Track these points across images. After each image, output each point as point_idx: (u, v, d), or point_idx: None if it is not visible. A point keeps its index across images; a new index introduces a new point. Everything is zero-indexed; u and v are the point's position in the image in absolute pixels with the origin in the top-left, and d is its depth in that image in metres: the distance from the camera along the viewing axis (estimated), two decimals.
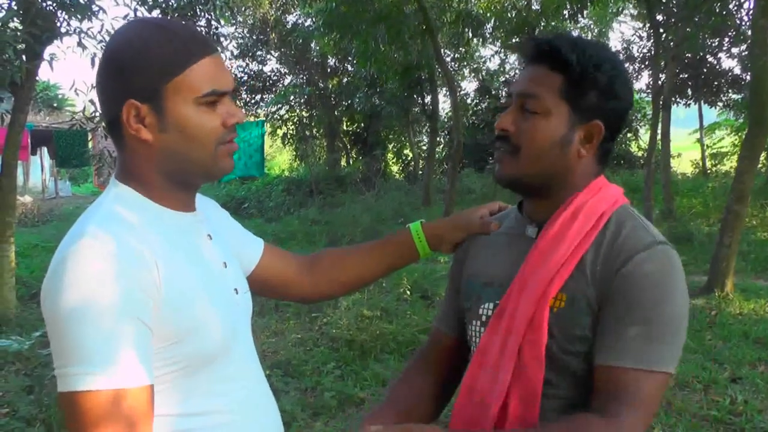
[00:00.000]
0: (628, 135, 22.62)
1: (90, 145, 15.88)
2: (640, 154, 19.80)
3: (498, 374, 1.45)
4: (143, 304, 1.15)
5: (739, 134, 19.72)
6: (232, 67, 19.72)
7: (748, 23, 14.88)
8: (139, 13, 6.50)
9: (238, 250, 1.56)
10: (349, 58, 19.89)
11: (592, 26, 21.24)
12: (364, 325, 6.27)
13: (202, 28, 6.61)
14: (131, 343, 1.12)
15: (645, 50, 18.98)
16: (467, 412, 1.52)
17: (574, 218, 1.44)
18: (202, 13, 6.52)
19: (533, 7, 16.46)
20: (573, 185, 1.48)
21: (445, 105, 21.97)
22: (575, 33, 19.76)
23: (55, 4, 6.24)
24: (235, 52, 19.01)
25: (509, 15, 16.24)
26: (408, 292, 6.96)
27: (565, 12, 15.32)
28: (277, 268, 1.68)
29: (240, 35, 20.75)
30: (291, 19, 20.50)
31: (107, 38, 6.45)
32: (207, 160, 1.28)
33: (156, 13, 6.59)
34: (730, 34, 16.44)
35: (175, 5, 6.60)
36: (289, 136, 21.90)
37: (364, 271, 1.77)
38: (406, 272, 7.51)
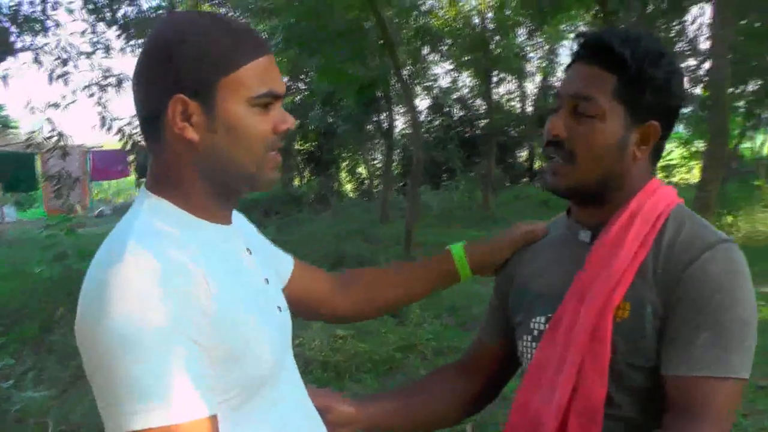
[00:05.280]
0: None
1: (38, 167, 15.43)
2: None
3: (555, 391, 1.35)
4: (197, 325, 1.03)
5: (688, 147, 20.20)
6: None
7: (701, 37, 15.38)
8: (98, 29, 6.30)
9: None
10: (302, 77, 19.78)
11: (543, 43, 21.51)
12: (337, 345, 6.12)
13: None
14: (188, 371, 0.99)
15: None
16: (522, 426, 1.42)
17: (631, 222, 1.36)
18: None
19: (489, 25, 16.61)
20: (629, 188, 1.40)
21: (398, 122, 22.01)
22: (527, 50, 20.02)
23: (7, 20, 6.01)
24: None
25: (464, 32, 16.37)
26: None
27: (520, 30, 15.59)
28: (310, 286, 1.58)
29: None
30: None
31: (63, 55, 6.24)
32: (254, 166, 1.17)
33: (114, 29, 6.39)
34: (679, 48, 16.80)
35: (134, 21, 6.42)
36: None
37: (402, 293, 1.69)
38: None
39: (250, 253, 1.28)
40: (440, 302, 7.90)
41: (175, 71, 1.10)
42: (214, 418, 1.03)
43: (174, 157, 1.15)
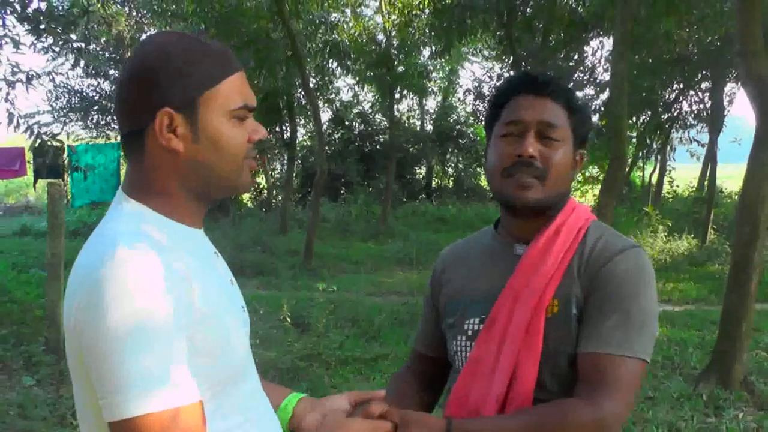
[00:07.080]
0: (479, 170, 23.56)
1: None
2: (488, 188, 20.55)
3: (493, 381, 1.54)
4: (188, 321, 1.13)
5: (583, 172, 21.08)
6: (82, 86, 18.76)
7: (599, 68, 16.18)
8: (7, 22, 6.12)
9: None
10: None
11: (443, 64, 22.03)
12: None
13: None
14: (182, 360, 1.09)
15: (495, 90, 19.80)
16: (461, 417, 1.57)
17: (557, 234, 1.59)
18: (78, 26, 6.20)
19: (393, 42, 16.89)
20: (561, 205, 1.63)
21: (298, 134, 21.98)
22: (429, 69, 20.44)
23: None
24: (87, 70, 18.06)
25: (369, 48, 16.59)
26: (288, 320, 6.88)
27: (425, 50, 15.88)
28: None
29: (92, 52, 19.81)
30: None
31: None
32: (234, 173, 1.28)
33: (25, 25, 6.23)
34: (578, 78, 17.51)
35: (46, 16, 6.26)
36: None
37: None
38: (286, 299, 7.45)
39: (217, 255, 1.37)
40: (342, 314, 8.02)
41: (160, 87, 1.19)
42: (201, 403, 1.12)
43: (156, 167, 1.23)
